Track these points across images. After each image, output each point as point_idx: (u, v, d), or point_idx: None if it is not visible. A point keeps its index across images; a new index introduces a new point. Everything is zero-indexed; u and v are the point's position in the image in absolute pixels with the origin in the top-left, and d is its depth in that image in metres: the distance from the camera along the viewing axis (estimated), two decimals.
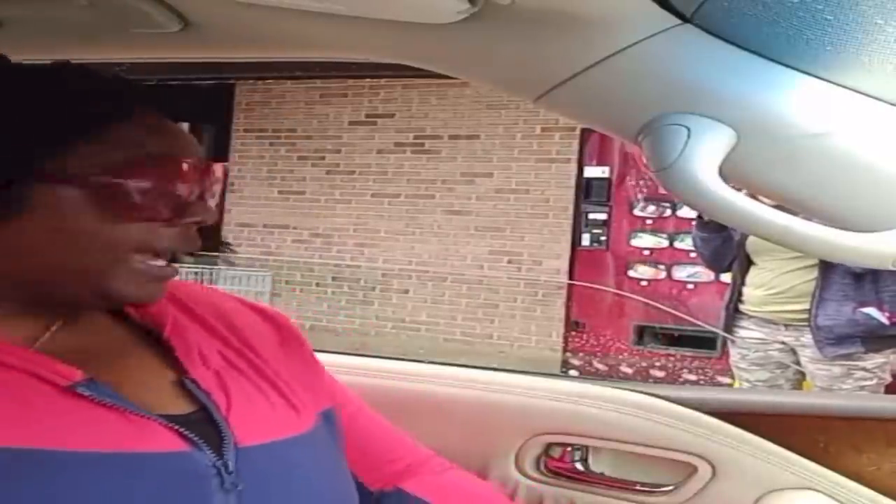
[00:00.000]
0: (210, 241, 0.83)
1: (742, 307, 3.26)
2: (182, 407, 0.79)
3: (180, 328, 0.87)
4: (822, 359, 3.04)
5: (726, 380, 4.74)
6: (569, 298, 6.46)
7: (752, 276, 3.22)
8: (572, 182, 6.51)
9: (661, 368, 5.61)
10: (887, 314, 2.96)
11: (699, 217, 3.31)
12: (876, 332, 2.97)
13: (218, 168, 0.83)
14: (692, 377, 5.41)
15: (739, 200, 0.67)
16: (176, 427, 0.76)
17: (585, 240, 6.39)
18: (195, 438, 0.76)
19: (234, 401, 0.83)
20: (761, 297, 3.19)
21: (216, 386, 0.83)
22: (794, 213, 0.69)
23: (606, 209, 6.29)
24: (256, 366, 0.88)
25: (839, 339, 2.99)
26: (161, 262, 0.78)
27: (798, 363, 3.16)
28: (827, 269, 2.98)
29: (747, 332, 3.25)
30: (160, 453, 0.74)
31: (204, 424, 0.78)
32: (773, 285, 3.15)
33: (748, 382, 3.27)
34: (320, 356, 0.99)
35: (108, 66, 0.83)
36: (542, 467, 1.24)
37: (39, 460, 0.68)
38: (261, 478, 0.78)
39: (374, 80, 7.18)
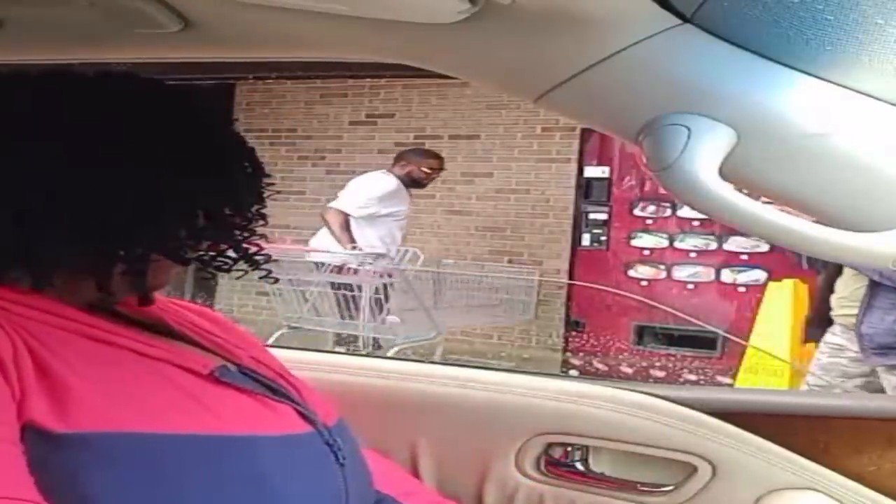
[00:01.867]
0: None
1: (831, 312, 3.15)
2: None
3: (178, 320, 0.88)
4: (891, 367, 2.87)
5: (726, 380, 4.73)
6: (569, 298, 6.44)
7: (839, 279, 3.10)
8: (572, 182, 6.49)
9: (661, 368, 5.60)
10: None
11: None
12: None
13: None
14: (692, 377, 5.40)
15: (739, 200, 0.67)
16: (299, 408, 0.79)
17: (585, 240, 6.38)
18: (315, 419, 0.80)
19: (294, 383, 0.85)
20: (836, 300, 3.10)
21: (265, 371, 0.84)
22: (794, 213, 0.69)
23: (606, 209, 6.28)
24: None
25: (881, 348, 2.86)
26: None
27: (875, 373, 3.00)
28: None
29: (832, 336, 3.14)
30: (298, 434, 0.77)
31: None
32: (841, 289, 3.06)
33: (808, 385, 3.19)
34: (319, 356, 0.99)
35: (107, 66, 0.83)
36: (542, 467, 1.24)
37: (214, 445, 0.69)
38: (347, 453, 0.81)
39: (374, 80, 7.16)
